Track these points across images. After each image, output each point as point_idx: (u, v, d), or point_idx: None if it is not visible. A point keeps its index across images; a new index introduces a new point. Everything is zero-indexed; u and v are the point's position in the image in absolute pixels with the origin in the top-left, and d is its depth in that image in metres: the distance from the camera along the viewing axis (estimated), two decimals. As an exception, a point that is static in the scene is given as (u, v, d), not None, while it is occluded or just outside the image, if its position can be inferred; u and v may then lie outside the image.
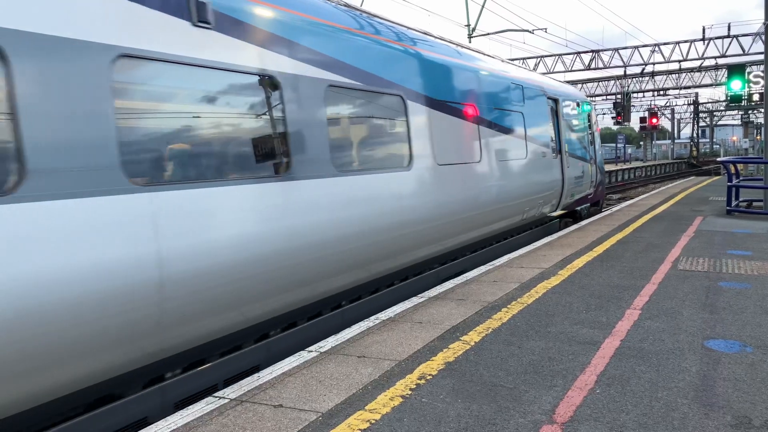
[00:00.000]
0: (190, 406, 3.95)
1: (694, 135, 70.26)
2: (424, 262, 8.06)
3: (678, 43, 39.21)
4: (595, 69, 42.04)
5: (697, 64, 43.42)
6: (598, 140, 16.38)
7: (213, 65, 4.80)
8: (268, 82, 5.35)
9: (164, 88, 4.48)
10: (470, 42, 27.35)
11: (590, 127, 15.54)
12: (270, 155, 5.33)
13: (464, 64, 9.18)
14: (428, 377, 4.26)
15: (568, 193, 13.23)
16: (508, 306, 6.09)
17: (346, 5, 7.04)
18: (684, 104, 73.36)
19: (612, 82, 51.18)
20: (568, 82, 22.47)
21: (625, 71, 45.74)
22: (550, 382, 4.10)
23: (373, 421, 3.60)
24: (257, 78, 5.25)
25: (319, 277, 5.88)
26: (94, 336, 3.90)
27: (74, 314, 3.76)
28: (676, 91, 57.40)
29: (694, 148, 70.27)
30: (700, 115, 73.28)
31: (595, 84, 52.54)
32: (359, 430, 3.50)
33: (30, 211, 3.52)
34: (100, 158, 3.93)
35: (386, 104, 7.09)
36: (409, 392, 4.01)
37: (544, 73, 14.60)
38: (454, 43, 9.63)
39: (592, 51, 41.69)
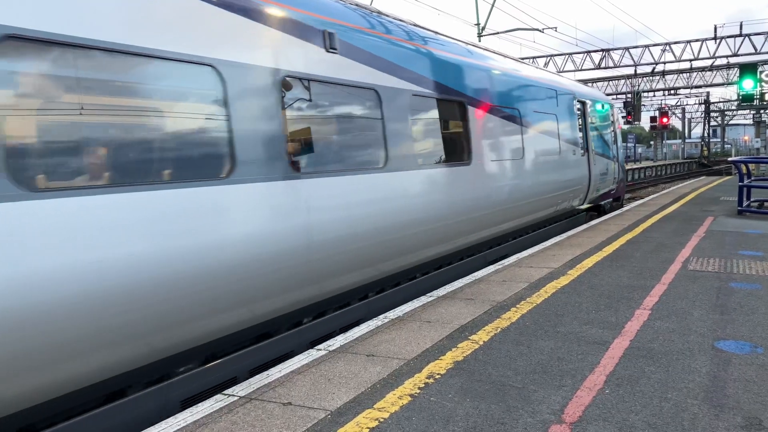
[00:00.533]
0: (199, 404, 3.97)
1: (705, 134, 69.82)
2: (477, 245, 9.30)
3: (689, 42, 38.97)
4: (605, 68, 41.88)
5: (708, 63, 43.14)
6: (619, 139, 17.55)
7: (338, 82, 6.18)
8: (374, 93, 6.75)
9: (310, 99, 5.87)
10: (479, 41, 27.29)
11: (613, 127, 16.66)
12: (376, 151, 6.76)
13: (510, 73, 10.48)
14: (437, 376, 4.26)
15: (593, 188, 14.32)
16: (517, 306, 6.08)
17: (424, 28, 8.59)
18: (695, 103, 72.91)
19: (622, 81, 50.94)
20: (577, 81, 22.72)
21: (635, 70, 45.52)
22: (559, 382, 4.10)
23: (381, 420, 3.60)
24: (366, 90, 6.64)
25: (413, 249, 7.35)
26: (281, 281, 5.33)
27: (277, 264, 5.24)
28: (687, 91, 57.07)
29: (704, 148, 69.81)
30: (711, 114, 72.79)
31: (605, 83, 52.31)
32: (368, 428, 3.51)
33: (239, 190, 4.90)
34: (278, 154, 5.29)
35: (453, 109, 8.43)
36: (418, 391, 4.01)
37: (556, 73, 15.30)
38: (499, 54, 11.06)
39: (603, 50, 41.51)
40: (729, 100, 71.45)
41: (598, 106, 15.37)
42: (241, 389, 4.16)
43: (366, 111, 6.67)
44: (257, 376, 4.41)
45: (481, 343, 4.96)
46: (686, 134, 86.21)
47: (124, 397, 4.31)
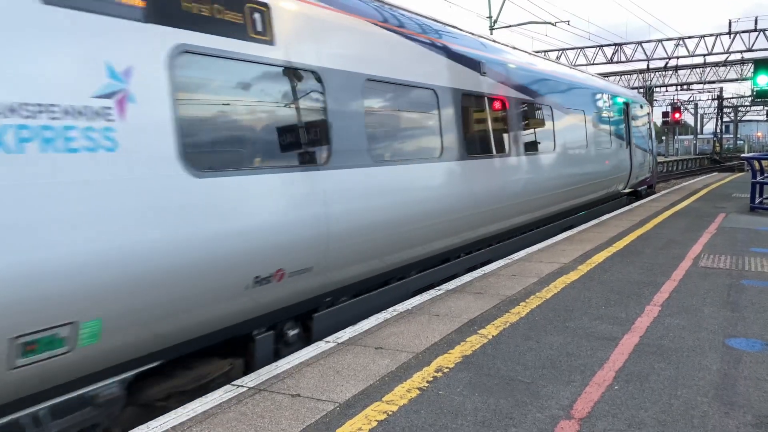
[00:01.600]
0: (209, 394, 3.99)
1: (718, 130, 69.25)
2: (553, 216, 11.83)
3: (703, 36, 38.59)
4: (617, 62, 41.55)
5: (722, 58, 42.66)
6: (653, 135, 20.32)
7: (485, 95, 8.85)
8: (504, 102, 9.40)
9: (467, 106, 8.29)
10: (491, 33, 27.16)
11: (648, 124, 19.53)
12: (503, 143, 9.37)
13: (577, 82, 13.27)
14: (445, 370, 4.26)
15: (634, 176, 16.96)
16: (527, 300, 6.07)
17: (527, 52, 11.77)
18: (708, 99, 72.29)
19: (634, 76, 50.55)
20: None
21: (648, 65, 45.14)
22: (568, 378, 4.09)
23: (390, 413, 3.61)
24: (501, 101, 9.31)
25: (526, 211, 10.13)
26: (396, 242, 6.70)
27: (390, 229, 6.52)
28: (700, 86, 56.52)
29: (717, 144, 69.27)
30: (724, 110, 72.17)
31: (617, 78, 51.95)
32: (377, 421, 3.51)
33: (334, 174, 5.67)
34: (363, 148, 6.15)
35: (540, 112, 10.93)
36: (426, 385, 4.02)
37: (601, 78, 16.58)
38: (574, 68, 14.79)
39: (615, 44, 41.19)
40: (742, 96, 70.78)
41: (638, 106, 17.91)
42: (250, 380, 4.18)
43: (500, 115, 9.36)
44: (266, 367, 4.42)
45: (490, 337, 4.96)
46: (698, 130, 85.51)
47: (386, 286, 6.84)
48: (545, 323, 5.31)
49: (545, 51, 41.25)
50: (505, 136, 9.38)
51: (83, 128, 3.66)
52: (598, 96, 14.30)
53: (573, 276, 7.08)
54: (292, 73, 5.29)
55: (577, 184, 12.33)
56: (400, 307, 5.91)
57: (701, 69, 47.62)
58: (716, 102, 68.61)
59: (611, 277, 7.01)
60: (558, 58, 41.64)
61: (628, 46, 41.12)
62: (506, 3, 27.37)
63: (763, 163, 15.17)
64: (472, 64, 8.55)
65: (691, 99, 73.54)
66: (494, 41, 10.41)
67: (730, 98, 73.11)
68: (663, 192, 14.31)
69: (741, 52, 37.93)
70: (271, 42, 5.04)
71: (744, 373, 4.13)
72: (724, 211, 13.23)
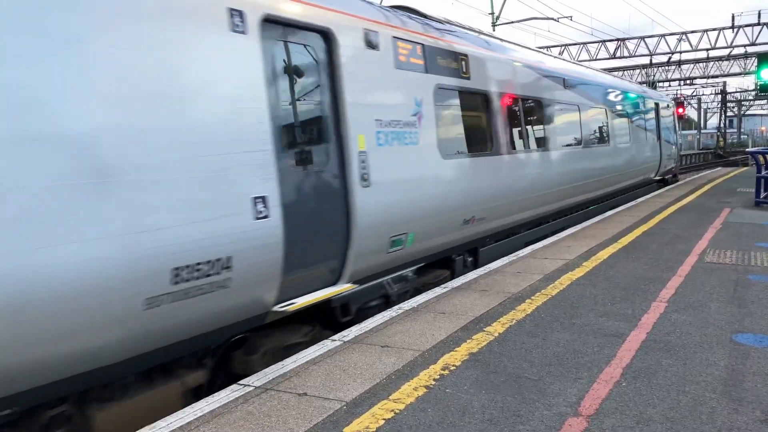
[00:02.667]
0: (216, 394, 3.99)
1: (721, 125, 69.00)
2: (606, 196, 14.76)
3: (706, 31, 38.43)
4: (620, 58, 41.39)
5: (725, 52, 42.48)
6: (677, 130, 23.61)
7: (577, 104, 12.17)
8: (603, 112, 13.50)
9: (576, 113, 12.00)
10: (494, 30, 27.10)
11: (673, 120, 22.16)
12: (606, 137, 13.55)
13: (621, 87, 16.17)
14: (452, 368, 4.25)
15: (663, 165, 19.87)
16: (532, 297, 6.06)
17: (599, 70, 16.68)
18: (711, 93, 71.99)
19: (637, 71, 50.38)
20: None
21: (651, 60, 44.95)
22: (575, 375, 4.08)
23: (397, 411, 3.60)
24: (602, 109, 13.59)
25: (593, 190, 13.17)
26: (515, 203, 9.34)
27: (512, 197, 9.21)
28: (704, 81, 56.33)
29: (720, 139, 69.01)
30: (728, 104, 71.89)
31: (620, 73, 51.77)
32: (384, 419, 3.51)
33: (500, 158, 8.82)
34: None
35: (601, 115, 13.71)
36: (433, 382, 4.01)
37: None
38: (614, 77, 17.38)
39: (618, 39, 41.04)
40: (746, 90, 70.48)
41: (664, 105, 20.79)
42: (256, 379, 4.18)
43: (586, 118, 12.65)
44: (273, 366, 4.42)
45: (496, 334, 4.95)
46: (702, 125, 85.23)
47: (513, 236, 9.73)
48: (551, 320, 5.30)
49: (548, 47, 41.16)
50: (585, 132, 12.52)
51: (410, 132, 6.72)
52: (637, 99, 17.34)
53: (578, 273, 7.06)
54: (479, 95, 8.47)
55: (623, 171, 15.35)
56: (406, 305, 5.91)
57: (704, 63, 47.43)
58: (720, 96, 68.36)
59: (617, 273, 6.99)
60: (561, 53, 41.51)
61: (630, 41, 40.97)
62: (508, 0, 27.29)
63: (768, 157, 15.10)
64: (584, 87, 12.83)
65: (695, 94, 73.24)
66: (578, 63, 15.29)
67: (734, 92, 72.83)
68: (670, 186, 14.78)
69: (744, 46, 37.75)
70: (468, 78, 8.14)
71: (752, 368, 4.12)
72: (728, 206, 13.19)
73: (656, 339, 4.74)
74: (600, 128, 13.57)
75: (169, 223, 3.94)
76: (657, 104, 19.50)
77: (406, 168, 6.53)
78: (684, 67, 48.52)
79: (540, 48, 35.55)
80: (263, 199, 4.68)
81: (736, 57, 44.54)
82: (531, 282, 6.68)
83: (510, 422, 3.43)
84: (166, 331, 4.13)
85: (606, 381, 3.96)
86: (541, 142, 10.31)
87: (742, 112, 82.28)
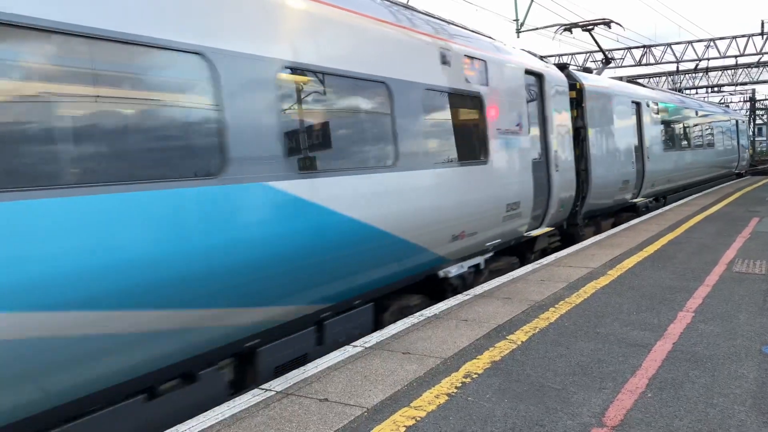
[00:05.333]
0: (238, 398, 4.00)
1: (750, 133, 67.78)
2: (707, 180, 23.15)
3: (735, 37, 37.77)
4: (646, 65, 40.88)
5: (755, 59, 41.72)
6: (748, 138, 33.13)
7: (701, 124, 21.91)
8: (710, 126, 23.35)
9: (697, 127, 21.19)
10: (518, 37, 26.99)
11: (747, 131, 31.64)
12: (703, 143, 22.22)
13: (709, 110, 23.79)
14: (474, 376, 4.22)
15: (739, 163, 28.78)
16: (556, 306, 5.99)
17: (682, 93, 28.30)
18: (740, 101, 70.82)
19: (663, 78, 49.75)
20: (617, 78, 24.13)
21: (677, 67, 44.31)
22: (600, 385, 4.01)
23: (418, 419, 3.58)
24: (710, 126, 23.48)
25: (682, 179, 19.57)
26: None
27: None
28: (732, 88, 55.41)
29: (750, 147, 67.76)
30: (757, 112, 70.62)
31: (646, 80, 51.17)
32: (405, 426, 3.48)
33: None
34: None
35: (710, 129, 23.12)
36: (455, 390, 3.98)
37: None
38: (707, 102, 27.32)
39: (644, 46, 40.58)
40: (776, 98, 69.11)
41: (741, 121, 30.10)
42: (278, 384, 4.18)
43: (708, 131, 22.54)
44: (294, 371, 4.42)
45: (519, 343, 4.90)
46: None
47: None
48: (575, 329, 5.23)
49: (572, 54, 40.84)
50: (705, 140, 21.75)
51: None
52: (727, 117, 26.59)
53: (603, 281, 6.97)
54: (670, 122, 17.20)
55: (719, 163, 24.02)
56: (428, 312, 5.88)
57: (733, 70, 46.66)
58: (748, 104, 67.20)
59: (642, 282, 6.88)
60: (585, 61, 41.18)
61: (656, 48, 40.49)
62: (533, 6, 27.18)
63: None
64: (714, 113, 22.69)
65: (723, 101, 72.14)
66: (710, 103, 25.64)
67: (763, 100, 71.55)
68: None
69: (774, 52, 37.03)
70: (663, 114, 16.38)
71: (782, 381, 4.01)
72: (758, 215, 12.93)
73: (683, 350, 4.65)
74: (711, 137, 22.93)
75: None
76: (737, 120, 29.69)
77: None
78: (712, 74, 47.75)
79: (561, 55, 34.93)
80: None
81: (765, 64, 43.74)
82: (555, 290, 6.61)
83: (533, 431, 3.38)
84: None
85: (631, 391, 3.89)
86: (691, 145, 19.58)
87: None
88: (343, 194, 5.20)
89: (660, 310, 5.73)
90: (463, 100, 7.25)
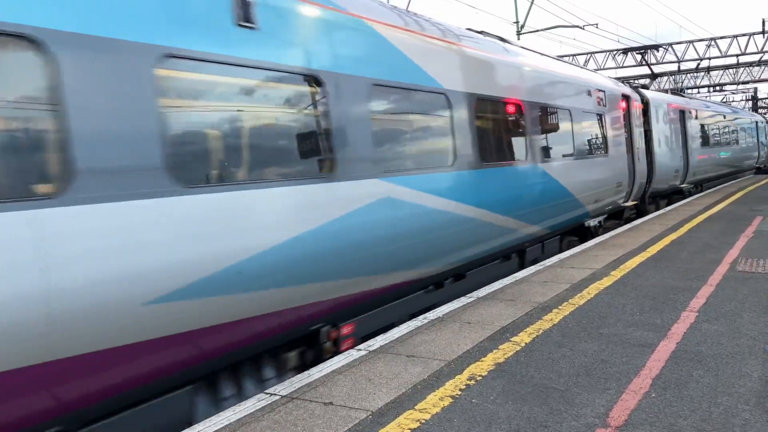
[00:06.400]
0: (243, 402, 4.02)
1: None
2: (732, 173, 28.18)
3: (736, 36, 37.76)
4: (647, 65, 40.87)
5: (756, 58, 41.69)
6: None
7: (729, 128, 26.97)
8: (736, 127, 29.04)
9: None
10: (518, 39, 27.04)
11: (764, 131, 36.61)
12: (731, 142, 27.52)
13: (741, 116, 30.14)
14: (478, 378, 4.23)
15: (759, 161, 33.68)
16: (559, 307, 6.00)
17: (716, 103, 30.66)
18: (742, 100, 70.73)
19: (665, 78, 49.71)
20: (619, 78, 25.13)
21: (679, 66, 44.29)
22: (604, 385, 4.02)
23: (423, 421, 3.59)
24: (736, 126, 29.37)
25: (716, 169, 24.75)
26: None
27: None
28: (734, 87, 55.34)
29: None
30: (759, 110, 70.49)
31: (648, 80, 51.11)
32: (409, 429, 3.50)
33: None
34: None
35: (734, 131, 27.91)
36: (459, 392, 3.99)
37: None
38: (732, 107, 32.08)
39: (645, 46, 40.58)
40: (778, 96, 68.95)
41: (762, 122, 35.80)
42: (282, 388, 4.20)
43: (734, 136, 27.73)
44: (299, 375, 4.44)
45: (523, 344, 4.91)
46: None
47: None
48: (578, 330, 5.24)
49: (573, 55, 40.86)
50: (731, 138, 26.12)
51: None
52: (749, 119, 30.87)
53: (606, 282, 6.98)
54: (708, 126, 22.26)
55: (743, 158, 28.24)
56: (431, 315, 5.89)
57: (734, 69, 46.61)
58: (750, 102, 67.08)
59: (645, 282, 6.89)
60: (586, 62, 41.17)
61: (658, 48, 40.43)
62: (533, 7, 27.24)
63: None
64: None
65: (725, 100, 72.04)
66: (735, 110, 30.32)
67: (765, 98, 71.41)
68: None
69: (775, 51, 36.99)
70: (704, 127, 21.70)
71: (786, 380, 4.02)
72: (761, 214, 12.92)
73: (687, 349, 4.66)
74: (736, 136, 27.10)
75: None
76: (757, 122, 34.48)
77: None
78: (713, 73, 47.71)
79: (562, 56, 35.20)
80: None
81: (767, 62, 43.69)
82: (558, 291, 6.62)
83: (537, 433, 3.39)
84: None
85: (635, 392, 3.90)
86: (720, 143, 23.55)
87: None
88: (559, 170, 9.62)
89: (663, 311, 5.73)
90: (593, 117, 11.51)
